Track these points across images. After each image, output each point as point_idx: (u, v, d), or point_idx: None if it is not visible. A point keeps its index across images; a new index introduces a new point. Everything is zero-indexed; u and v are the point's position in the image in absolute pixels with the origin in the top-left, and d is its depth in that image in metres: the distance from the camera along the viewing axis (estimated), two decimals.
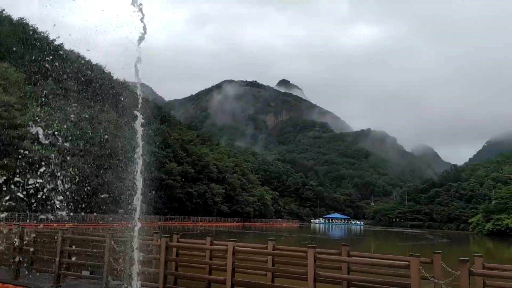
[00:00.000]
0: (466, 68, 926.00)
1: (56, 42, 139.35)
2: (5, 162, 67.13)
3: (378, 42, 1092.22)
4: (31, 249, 13.49)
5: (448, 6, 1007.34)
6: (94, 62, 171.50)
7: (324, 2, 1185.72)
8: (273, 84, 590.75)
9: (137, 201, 8.98)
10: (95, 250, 11.86)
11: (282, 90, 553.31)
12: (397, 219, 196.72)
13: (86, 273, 11.61)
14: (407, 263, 7.33)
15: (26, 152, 69.04)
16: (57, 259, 11.67)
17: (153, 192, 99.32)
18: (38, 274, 13.17)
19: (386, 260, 8.38)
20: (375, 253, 9.74)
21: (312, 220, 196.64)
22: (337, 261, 9.04)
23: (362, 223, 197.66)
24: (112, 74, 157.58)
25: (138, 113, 8.91)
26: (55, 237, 13.94)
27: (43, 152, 70.05)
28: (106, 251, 10.89)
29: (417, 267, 7.10)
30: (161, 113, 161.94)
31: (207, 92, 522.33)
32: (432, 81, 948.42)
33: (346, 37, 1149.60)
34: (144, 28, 8.55)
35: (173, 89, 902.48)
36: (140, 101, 8.95)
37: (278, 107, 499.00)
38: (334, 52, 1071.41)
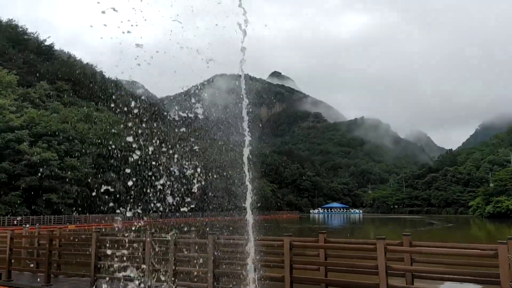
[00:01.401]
0: (456, 52, 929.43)
1: (47, 43, 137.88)
2: (3, 165, 66.29)
3: (368, 31, 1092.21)
4: (58, 253, 12.94)
5: None
6: (85, 61, 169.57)
7: None
8: (265, 76, 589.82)
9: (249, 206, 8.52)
10: (126, 252, 11.39)
11: (274, 82, 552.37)
12: (396, 206, 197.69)
13: (119, 275, 11.15)
14: (494, 251, 6.96)
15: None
16: (93, 262, 11.16)
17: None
18: (69, 278, 12.69)
19: (467, 250, 8.00)
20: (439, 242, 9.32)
21: (311, 211, 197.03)
22: (409, 252, 8.66)
23: (360, 211, 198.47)
24: (104, 73, 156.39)
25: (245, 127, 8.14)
26: (76, 239, 13.44)
27: (42, 154, 69.02)
28: (146, 251, 10.42)
29: (506, 254, 6.75)
30: (156, 110, 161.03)
31: (199, 87, 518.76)
32: (423, 67, 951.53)
33: (336, 27, 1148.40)
34: (244, 30, 8.07)
35: (165, 86, 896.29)
36: (245, 105, 8.34)
37: (271, 99, 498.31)
38: (324, 42, 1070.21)
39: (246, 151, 9.28)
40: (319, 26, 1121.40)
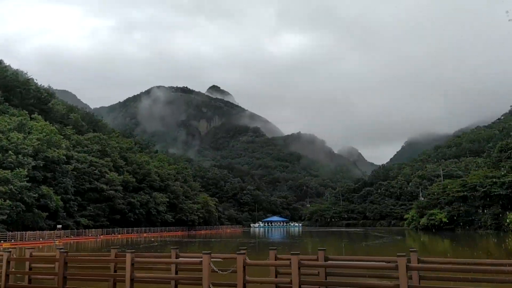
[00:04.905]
0: (386, 73, 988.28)
1: None
2: None
3: (305, 51, 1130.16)
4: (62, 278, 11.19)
5: (369, 16, 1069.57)
6: (15, 67, 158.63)
7: (253, 13, 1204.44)
8: (203, 90, 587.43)
9: None
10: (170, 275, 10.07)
11: (214, 95, 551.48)
12: (333, 219, 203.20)
13: None
14: None
15: None
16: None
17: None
18: None
19: None
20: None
21: (251, 224, 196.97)
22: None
23: (300, 224, 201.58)
24: (36, 80, 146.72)
25: None
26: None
27: None
28: (204, 275, 9.23)
29: None
30: (92, 120, 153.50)
31: (136, 98, 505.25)
32: (356, 87, 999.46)
33: (274, 46, 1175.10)
34: None
35: (99, 96, 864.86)
36: None
37: (210, 113, 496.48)
38: (263, 60, 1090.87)
39: None
40: (258, 45, 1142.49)
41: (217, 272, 9.41)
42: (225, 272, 9.48)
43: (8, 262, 11.01)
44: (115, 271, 10.74)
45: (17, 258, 12.24)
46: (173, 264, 10.17)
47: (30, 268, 12.50)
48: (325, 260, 9.55)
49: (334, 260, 9.97)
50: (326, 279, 9.57)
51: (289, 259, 8.82)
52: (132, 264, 9.75)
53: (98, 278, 10.99)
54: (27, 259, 12.54)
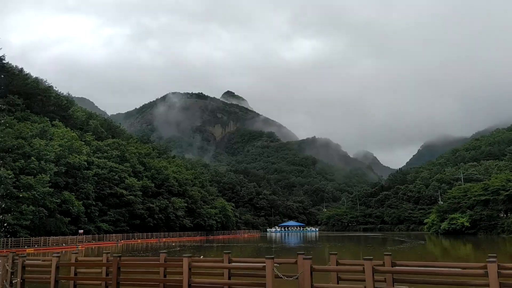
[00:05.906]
0: (401, 77, 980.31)
1: None
2: None
3: (318, 55, 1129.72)
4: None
5: (382, 21, 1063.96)
6: (33, 75, 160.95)
7: (266, 18, 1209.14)
8: (218, 95, 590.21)
9: None
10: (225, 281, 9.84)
11: (228, 101, 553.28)
12: (350, 224, 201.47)
13: None
14: None
15: None
16: None
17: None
18: None
19: None
20: None
21: (268, 229, 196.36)
22: None
23: (317, 229, 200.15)
24: (55, 88, 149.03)
25: None
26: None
27: None
28: (268, 281, 8.97)
29: None
30: (111, 127, 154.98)
31: (152, 105, 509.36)
32: (371, 90, 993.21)
33: (287, 51, 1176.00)
34: None
35: (115, 103, 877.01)
36: None
37: (225, 118, 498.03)
38: (276, 65, 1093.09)
39: None
40: (271, 50, 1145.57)
41: (281, 277, 9.13)
42: (290, 278, 9.19)
43: (57, 268, 10.91)
44: (164, 276, 10.57)
45: (65, 263, 12.15)
46: (227, 269, 9.95)
47: (76, 273, 12.41)
48: (392, 266, 9.25)
49: (401, 265, 9.63)
50: (393, 285, 9.22)
51: (362, 265, 8.52)
52: (189, 269, 9.57)
53: (149, 283, 10.84)
54: (73, 264, 12.49)
